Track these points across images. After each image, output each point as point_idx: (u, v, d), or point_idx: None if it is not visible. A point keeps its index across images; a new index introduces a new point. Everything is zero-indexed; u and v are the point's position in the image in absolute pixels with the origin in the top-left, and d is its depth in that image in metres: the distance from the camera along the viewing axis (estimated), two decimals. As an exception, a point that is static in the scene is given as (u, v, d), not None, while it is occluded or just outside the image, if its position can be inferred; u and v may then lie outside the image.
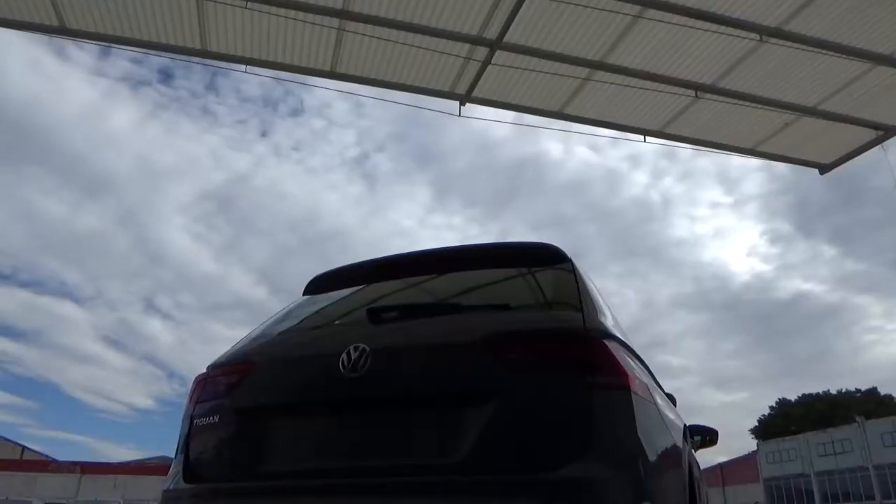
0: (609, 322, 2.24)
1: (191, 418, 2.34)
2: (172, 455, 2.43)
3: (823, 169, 9.59)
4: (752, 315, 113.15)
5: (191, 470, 2.25)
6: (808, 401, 67.80)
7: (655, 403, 2.19)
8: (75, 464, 39.08)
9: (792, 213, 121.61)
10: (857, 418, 52.90)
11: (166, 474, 2.36)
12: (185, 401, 2.48)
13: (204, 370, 2.47)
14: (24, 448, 50.89)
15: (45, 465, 40.59)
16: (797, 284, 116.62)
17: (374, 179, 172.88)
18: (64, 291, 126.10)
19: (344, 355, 2.07)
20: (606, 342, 2.01)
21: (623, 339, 2.24)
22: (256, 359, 2.32)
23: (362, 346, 2.07)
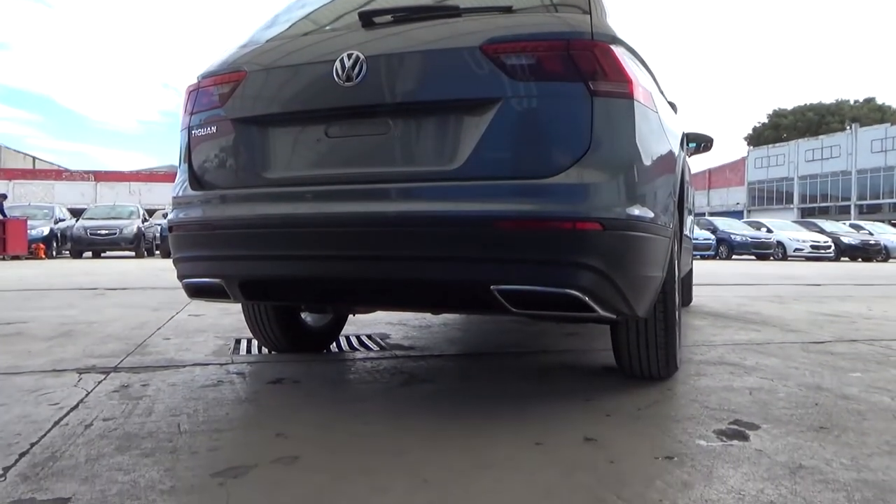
0: (618, 25, 2.11)
1: (188, 129, 2.35)
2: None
3: None
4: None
5: (195, 178, 2.32)
6: (800, 109, 67.96)
7: (656, 111, 2.17)
8: (88, 172, 40.65)
9: None
10: (850, 125, 53.65)
11: (174, 182, 2.45)
12: (181, 112, 2.46)
13: (195, 80, 2.41)
14: (35, 158, 52.43)
15: (59, 174, 42.23)
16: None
17: None
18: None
19: (337, 63, 2.00)
20: (613, 47, 1.92)
21: (631, 44, 2.13)
22: (247, 67, 2.24)
23: (356, 53, 1.99)
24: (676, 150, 2.48)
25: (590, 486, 1.43)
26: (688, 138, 3.66)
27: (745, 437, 1.80)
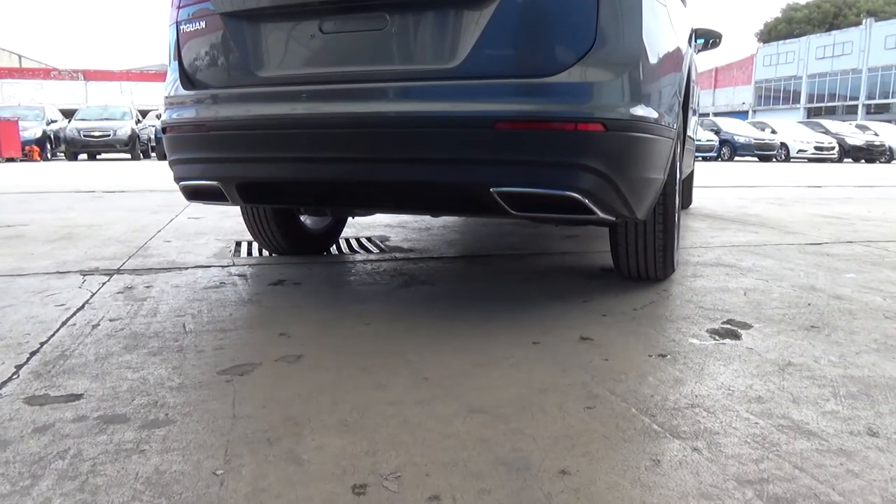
0: None
1: (177, 24, 2.26)
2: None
3: None
4: None
5: (186, 77, 2.25)
6: (815, 3, 65.04)
7: (665, 5, 2.08)
8: (77, 71, 39.49)
9: None
10: (866, 19, 51.63)
11: (166, 81, 2.38)
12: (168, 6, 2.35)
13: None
14: (21, 56, 50.81)
15: (47, 72, 41.04)
16: None
17: None
18: None
19: (331, -48, 1.89)
20: None
21: None
22: (235, -44, 2.11)
23: (350, -60, 1.87)
24: (684, 46, 2.40)
25: (584, 383, 1.48)
26: (696, 34, 3.53)
27: (737, 336, 1.85)
